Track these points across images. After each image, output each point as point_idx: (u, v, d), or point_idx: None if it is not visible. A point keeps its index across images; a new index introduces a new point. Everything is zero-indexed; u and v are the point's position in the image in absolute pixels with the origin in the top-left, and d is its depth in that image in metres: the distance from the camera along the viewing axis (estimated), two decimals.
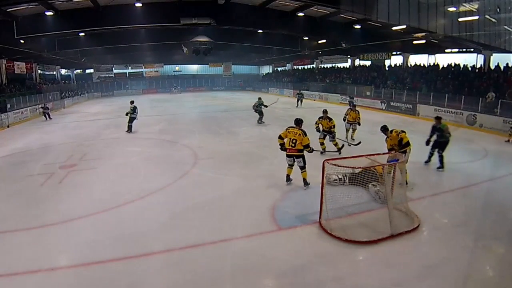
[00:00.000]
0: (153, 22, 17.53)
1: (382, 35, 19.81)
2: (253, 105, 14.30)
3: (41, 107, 17.83)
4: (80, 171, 7.68)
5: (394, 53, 22.18)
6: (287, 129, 6.19)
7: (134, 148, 10.12)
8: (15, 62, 21.92)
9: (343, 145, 8.62)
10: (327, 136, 8.68)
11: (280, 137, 6.14)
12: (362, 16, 16.73)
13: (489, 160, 8.33)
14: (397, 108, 17.67)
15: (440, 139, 7.27)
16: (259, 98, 14.57)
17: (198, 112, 19.51)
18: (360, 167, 5.31)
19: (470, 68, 17.72)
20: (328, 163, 4.66)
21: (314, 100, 25.75)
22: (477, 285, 3.53)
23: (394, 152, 5.54)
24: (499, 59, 16.81)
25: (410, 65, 22.04)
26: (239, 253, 4.09)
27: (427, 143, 7.39)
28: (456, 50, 19.80)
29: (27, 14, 15.41)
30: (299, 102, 21.57)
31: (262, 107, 14.19)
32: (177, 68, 41.00)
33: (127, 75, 38.89)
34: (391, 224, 4.38)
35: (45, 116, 17.28)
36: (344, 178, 6.08)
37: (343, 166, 4.77)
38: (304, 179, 6.10)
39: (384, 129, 6.46)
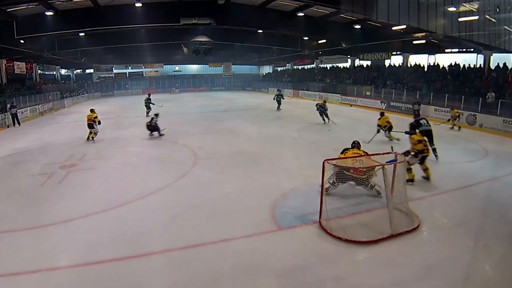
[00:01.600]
0: (153, 22, 17.52)
1: (382, 35, 19.81)
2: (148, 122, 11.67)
3: (92, 122, 10.88)
4: (80, 171, 7.68)
5: (394, 53, 22.15)
6: None
7: (134, 148, 10.12)
8: (15, 62, 21.90)
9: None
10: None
11: None
12: (362, 16, 16.71)
13: (489, 160, 8.32)
14: (397, 108, 17.66)
15: None
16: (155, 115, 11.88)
17: (198, 112, 19.51)
18: (360, 167, 5.32)
19: (469, 67, 17.73)
20: (328, 163, 4.67)
21: (314, 100, 25.75)
22: (477, 285, 3.53)
23: (394, 152, 5.54)
24: (499, 59, 16.81)
25: (410, 65, 22.03)
26: (239, 253, 4.09)
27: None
28: (456, 50, 19.78)
29: (27, 14, 15.41)
30: (279, 104, 18.86)
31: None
32: (177, 68, 41.01)
33: (127, 75, 38.90)
34: (391, 224, 4.38)
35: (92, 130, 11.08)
36: (334, 181, 5.67)
37: (343, 166, 4.77)
38: None
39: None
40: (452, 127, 12.61)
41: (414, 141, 6.36)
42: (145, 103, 17.21)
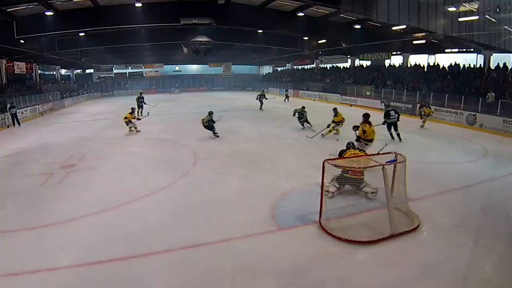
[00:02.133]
0: (153, 22, 17.53)
1: (382, 35, 19.82)
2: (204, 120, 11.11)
3: (132, 120, 12.35)
4: (80, 171, 7.68)
5: (394, 53, 22.17)
6: None
7: (134, 148, 10.11)
8: (15, 62, 21.92)
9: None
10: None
11: None
12: (362, 16, 16.73)
13: (489, 160, 8.32)
14: (397, 108, 17.62)
15: None
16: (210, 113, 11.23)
17: (198, 112, 19.46)
18: (360, 167, 5.32)
19: (469, 67, 17.74)
20: (328, 163, 4.66)
21: (314, 100, 25.77)
22: (477, 285, 3.53)
23: (394, 152, 5.54)
24: (499, 59, 16.82)
25: (410, 65, 22.04)
26: (239, 253, 4.09)
27: None
28: (456, 50, 19.80)
29: (27, 14, 15.41)
30: (261, 104, 19.28)
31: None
32: (177, 68, 41.01)
33: (127, 75, 38.91)
34: (391, 224, 4.38)
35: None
36: (339, 186, 5.59)
37: (343, 166, 4.77)
38: None
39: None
40: (423, 125, 13.00)
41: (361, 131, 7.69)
42: (137, 102, 17.22)
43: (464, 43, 17.36)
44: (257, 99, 19.67)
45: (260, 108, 19.23)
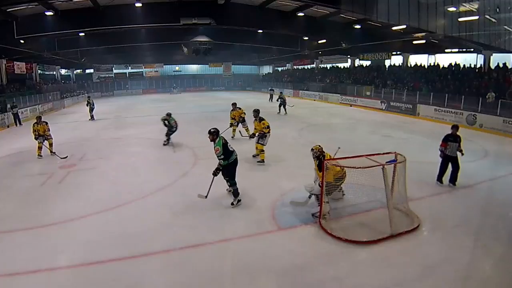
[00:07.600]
0: (153, 22, 17.54)
1: (382, 35, 19.83)
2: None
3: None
4: (80, 171, 7.68)
5: (394, 53, 22.19)
6: None
7: (134, 148, 10.11)
8: (15, 62, 21.93)
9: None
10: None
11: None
12: (362, 16, 16.73)
13: (489, 160, 8.32)
14: (397, 108, 17.66)
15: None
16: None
17: (198, 112, 19.51)
18: (360, 167, 5.30)
19: (469, 67, 17.74)
20: (328, 163, 4.67)
21: (314, 100, 25.77)
22: (477, 285, 3.53)
23: (394, 152, 5.53)
24: (499, 59, 16.83)
25: (410, 65, 22.05)
26: (239, 253, 4.09)
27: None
28: (456, 50, 19.82)
29: (27, 14, 15.44)
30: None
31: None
32: (177, 68, 41.03)
33: (127, 75, 38.93)
34: (391, 224, 4.38)
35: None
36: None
37: (343, 166, 4.76)
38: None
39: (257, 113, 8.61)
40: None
41: (265, 125, 7.95)
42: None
43: (464, 43, 17.37)
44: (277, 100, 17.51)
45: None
